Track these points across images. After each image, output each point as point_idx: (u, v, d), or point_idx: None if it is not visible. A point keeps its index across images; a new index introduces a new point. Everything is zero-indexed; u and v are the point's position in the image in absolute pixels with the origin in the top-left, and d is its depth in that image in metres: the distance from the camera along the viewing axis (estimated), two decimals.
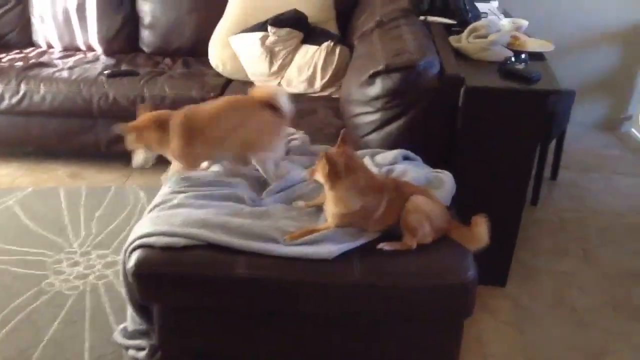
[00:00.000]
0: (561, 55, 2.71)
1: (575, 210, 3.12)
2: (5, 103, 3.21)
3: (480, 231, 1.81)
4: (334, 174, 1.77)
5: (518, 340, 2.22)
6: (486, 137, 2.25)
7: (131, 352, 2.02)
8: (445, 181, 2.07)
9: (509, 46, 2.54)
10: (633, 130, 4.03)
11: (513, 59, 2.41)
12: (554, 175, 3.39)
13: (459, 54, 2.50)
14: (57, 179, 3.24)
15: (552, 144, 3.23)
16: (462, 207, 2.02)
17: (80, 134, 3.31)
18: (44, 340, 2.10)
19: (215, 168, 2.17)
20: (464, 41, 2.54)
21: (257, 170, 2.12)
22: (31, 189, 3.09)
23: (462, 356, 2.01)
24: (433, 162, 2.23)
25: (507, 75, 2.29)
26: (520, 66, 2.36)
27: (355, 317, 1.84)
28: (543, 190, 3.15)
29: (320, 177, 1.82)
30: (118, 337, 2.08)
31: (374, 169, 2.09)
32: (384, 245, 1.82)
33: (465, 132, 2.25)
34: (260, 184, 2.13)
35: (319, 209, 1.97)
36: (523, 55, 2.42)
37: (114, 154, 3.33)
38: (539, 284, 2.53)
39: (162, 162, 2.13)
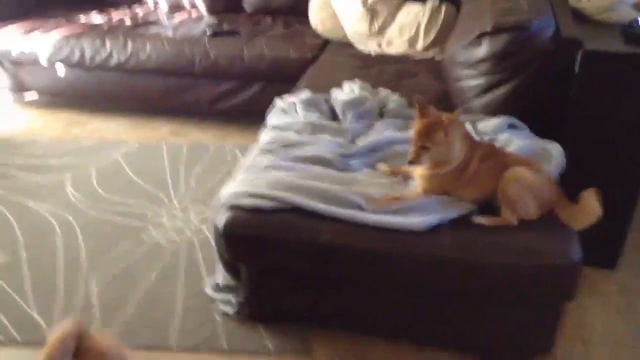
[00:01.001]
0: None
1: None
2: (114, 60, 3.34)
3: (591, 205, 1.65)
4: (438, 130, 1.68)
5: (624, 328, 2.04)
6: (603, 106, 2.03)
7: (220, 305, 2.08)
8: (554, 153, 1.90)
9: (635, 7, 2.27)
10: None
11: None
12: None
13: (578, 15, 2.27)
14: (159, 136, 3.36)
15: None
16: (570, 183, 1.85)
17: (182, 92, 3.39)
18: (141, 290, 2.19)
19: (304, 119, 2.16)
20: (584, 0, 2.30)
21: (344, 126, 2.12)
22: (137, 144, 3.22)
23: (561, 339, 1.90)
24: (540, 132, 2.06)
25: (632, 39, 2.04)
26: None
27: (444, 291, 1.76)
28: None
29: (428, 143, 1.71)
30: (209, 290, 2.13)
31: (476, 138, 1.97)
32: (480, 219, 1.71)
33: (580, 101, 2.04)
34: (347, 142, 2.08)
35: (406, 178, 1.89)
36: None
37: (214, 113, 3.41)
38: None
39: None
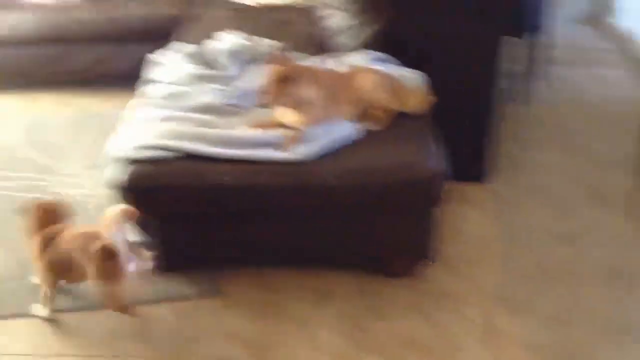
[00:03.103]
0: None
1: (563, 104, 3.17)
2: None
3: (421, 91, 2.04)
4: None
5: (496, 228, 2.32)
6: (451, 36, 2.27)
7: None
8: (416, 80, 2.13)
9: None
10: (617, 22, 3.99)
11: None
12: (543, 71, 3.37)
13: None
14: (44, 108, 3.26)
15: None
16: (436, 110, 2.10)
17: (60, 61, 3.33)
18: None
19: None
20: None
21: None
22: (22, 119, 3.14)
23: (442, 244, 2.12)
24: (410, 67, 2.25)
25: None
26: None
27: (332, 212, 1.94)
28: (533, 86, 3.18)
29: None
30: None
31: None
32: (371, 126, 1.98)
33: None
34: (231, 89, 2.20)
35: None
36: None
37: (96, 79, 3.40)
38: (522, 176, 2.61)
39: None
